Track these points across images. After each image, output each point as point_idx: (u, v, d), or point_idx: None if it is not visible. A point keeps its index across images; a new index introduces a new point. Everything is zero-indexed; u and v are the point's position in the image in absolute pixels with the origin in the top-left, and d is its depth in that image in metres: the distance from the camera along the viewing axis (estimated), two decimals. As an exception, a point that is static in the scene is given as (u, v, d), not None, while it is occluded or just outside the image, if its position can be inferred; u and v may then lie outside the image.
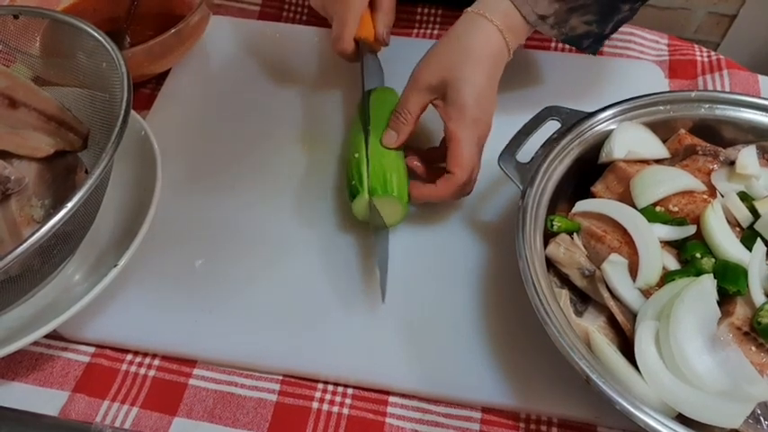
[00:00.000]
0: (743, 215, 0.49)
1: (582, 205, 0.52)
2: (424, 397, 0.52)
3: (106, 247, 0.57)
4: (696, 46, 0.76)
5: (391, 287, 0.56)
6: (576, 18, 0.57)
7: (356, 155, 0.58)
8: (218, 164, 0.66)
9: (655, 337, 0.44)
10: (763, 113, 0.55)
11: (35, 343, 0.54)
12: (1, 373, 0.54)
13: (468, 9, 0.56)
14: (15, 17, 0.59)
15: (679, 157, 0.55)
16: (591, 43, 0.60)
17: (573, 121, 0.55)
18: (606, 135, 0.55)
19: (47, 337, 0.53)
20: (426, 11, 0.80)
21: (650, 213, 0.50)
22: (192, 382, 0.53)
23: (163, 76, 0.74)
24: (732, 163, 0.52)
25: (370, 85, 0.63)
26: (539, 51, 0.75)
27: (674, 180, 0.51)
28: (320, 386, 0.53)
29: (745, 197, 0.50)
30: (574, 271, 0.49)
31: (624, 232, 0.49)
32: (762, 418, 0.42)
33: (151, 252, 0.59)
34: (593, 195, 0.54)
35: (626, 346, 0.46)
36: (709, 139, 0.55)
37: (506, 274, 0.57)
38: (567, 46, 0.76)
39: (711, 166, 0.53)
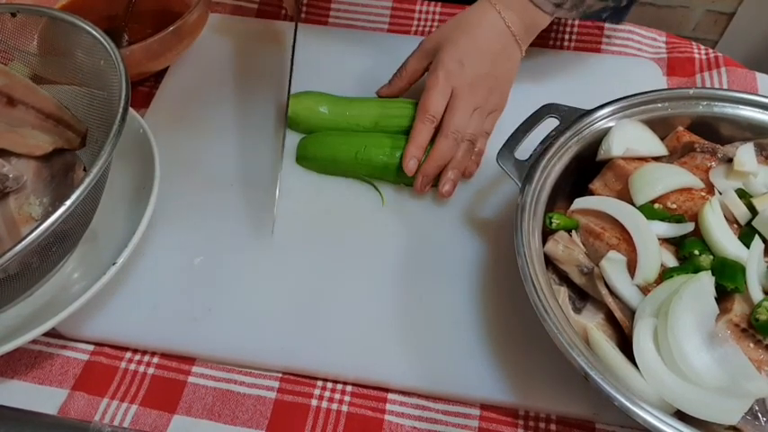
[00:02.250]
0: (741, 212, 0.49)
1: (580, 202, 0.52)
2: (423, 394, 0.52)
3: (105, 245, 0.57)
4: (694, 43, 0.76)
5: (391, 285, 0.57)
6: None
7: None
8: (216, 161, 0.66)
9: (653, 333, 0.44)
10: (761, 111, 0.55)
11: (34, 341, 0.54)
12: (0, 372, 0.54)
13: None
14: (13, 15, 0.59)
15: (677, 154, 0.55)
16: (611, 14, 0.63)
17: (571, 118, 0.55)
18: (604, 132, 0.55)
19: (46, 335, 0.53)
20: (425, 8, 0.80)
21: (648, 210, 0.50)
22: (191, 379, 0.53)
23: (161, 74, 0.74)
24: (730, 160, 0.52)
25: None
26: (537, 49, 0.75)
27: (673, 177, 0.51)
28: (319, 383, 0.53)
29: (743, 194, 0.50)
30: (572, 268, 0.49)
31: (622, 229, 0.49)
32: (759, 415, 0.42)
33: (150, 250, 0.59)
34: (591, 193, 0.54)
35: (624, 343, 0.46)
36: (707, 136, 0.55)
37: (505, 272, 0.57)
38: (566, 43, 0.76)
39: (709, 164, 0.53)
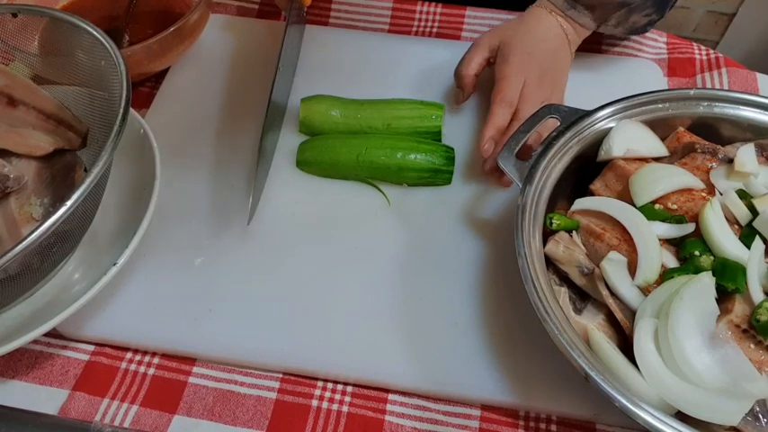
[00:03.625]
0: (741, 213, 0.49)
1: (581, 203, 0.52)
2: (424, 395, 0.52)
3: (105, 246, 0.57)
4: (695, 44, 0.76)
5: (391, 286, 0.57)
6: (636, 15, 0.63)
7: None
8: (217, 162, 0.66)
9: (654, 334, 0.44)
10: (762, 111, 0.55)
11: (35, 341, 0.54)
12: (0, 372, 0.54)
13: (536, 4, 0.66)
14: (14, 15, 0.59)
15: (678, 155, 0.55)
16: (652, 26, 0.66)
17: (572, 119, 0.55)
18: (605, 133, 0.55)
19: (46, 335, 0.53)
20: (425, 8, 0.80)
21: (649, 211, 0.50)
22: (191, 380, 0.53)
23: (162, 75, 0.74)
24: (731, 161, 0.52)
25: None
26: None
27: (673, 178, 0.51)
28: (320, 384, 0.53)
29: (743, 195, 0.50)
30: (573, 269, 0.49)
31: (623, 230, 0.49)
32: (760, 416, 0.42)
33: (150, 250, 0.59)
34: (592, 193, 0.54)
35: (625, 344, 0.46)
36: (707, 136, 0.55)
37: (506, 272, 0.57)
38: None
39: (710, 164, 0.53)
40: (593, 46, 0.75)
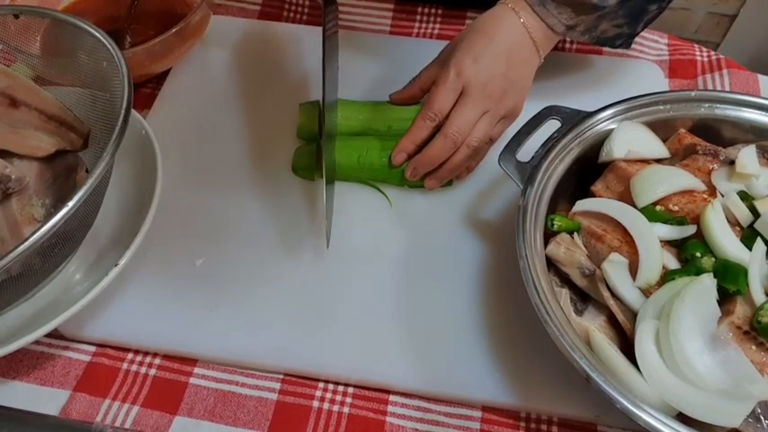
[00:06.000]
0: (743, 214, 0.49)
1: (582, 204, 0.52)
2: (425, 396, 0.52)
3: (107, 247, 0.57)
4: (696, 46, 0.76)
5: (392, 287, 0.57)
6: (605, 23, 0.59)
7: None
8: (218, 163, 0.66)
9: (655, 336, 0.44)
10: (763, 113, 0.55)
11: (36, 342, 0.54)
12: (2, 372, 0.54)
13: (501, 2, 0.59)
14: (16, 17, 0.59)
15: (679, 156, 0.55)
16: (623, 41, 0.62)
17: (573, 120, 0.55)
18: (606, 134, 0.55)
19: (48, 336, 0.53)
20: (427, 10, 0.80)
21: (650, 213, 0.50)
22: (192, 381, 0.53)
23: (163, 76, 0.74)
24: (732, 162, 0.52)
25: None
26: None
27: (674, 179, 0.51)
28: (321, 385, 0.53)
29: (745, 196, 0.50)
30: (574, 270, 0.49)
31: (624, 231, 0.49)
32: (762, 417, 0.42)
33: (152, 251, 0.59)
34: (593, 195, 0.54)
35: (626, 346, 0.46)
36: (709, 138, 0.55)
37: (507, 274, 0.57)
38: (568, 44, 0.76)
39: (711, 166, 0.53)
40: (595, 47, 0.75)
